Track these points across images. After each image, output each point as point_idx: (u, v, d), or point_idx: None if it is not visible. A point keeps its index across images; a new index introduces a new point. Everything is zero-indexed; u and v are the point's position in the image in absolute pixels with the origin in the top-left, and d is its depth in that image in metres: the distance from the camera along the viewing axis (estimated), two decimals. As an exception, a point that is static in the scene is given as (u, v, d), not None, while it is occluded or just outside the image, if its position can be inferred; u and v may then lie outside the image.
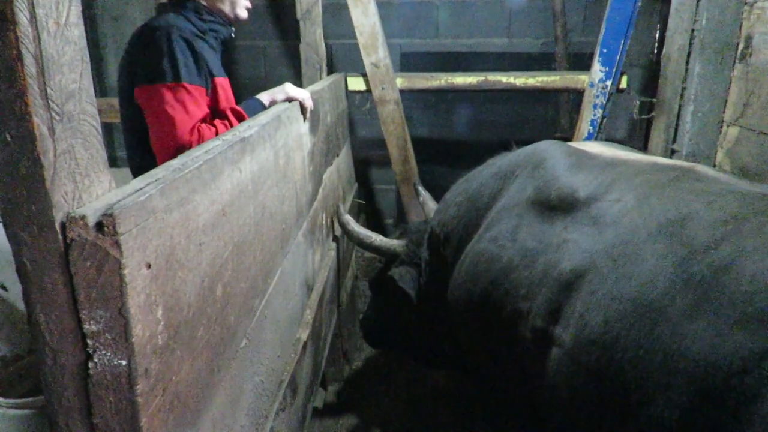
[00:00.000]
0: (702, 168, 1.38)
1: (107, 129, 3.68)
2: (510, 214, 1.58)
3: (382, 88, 3.07)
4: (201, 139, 1.57)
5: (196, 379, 0.89)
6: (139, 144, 1.70)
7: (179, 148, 1.54)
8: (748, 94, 2.34)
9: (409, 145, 3.22)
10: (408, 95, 3.27)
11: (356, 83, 3.13)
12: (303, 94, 1.82)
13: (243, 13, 1.90)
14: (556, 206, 1.46)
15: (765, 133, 2.23)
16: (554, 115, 3.72)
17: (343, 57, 3.49)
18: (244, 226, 1.17)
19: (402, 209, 3.57)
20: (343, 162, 2.91)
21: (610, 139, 3.17)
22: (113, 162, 3.66)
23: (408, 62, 3.64)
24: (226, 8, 1.85)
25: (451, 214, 1.94)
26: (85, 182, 0.70)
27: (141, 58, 1.62)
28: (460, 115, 3.83)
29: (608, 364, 1.11)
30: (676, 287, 1.06)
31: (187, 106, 1.58)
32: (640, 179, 1.37)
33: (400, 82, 3.10)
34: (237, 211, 1.12)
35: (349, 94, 3.21)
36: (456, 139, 3.85)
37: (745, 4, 2.34)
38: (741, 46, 2.38)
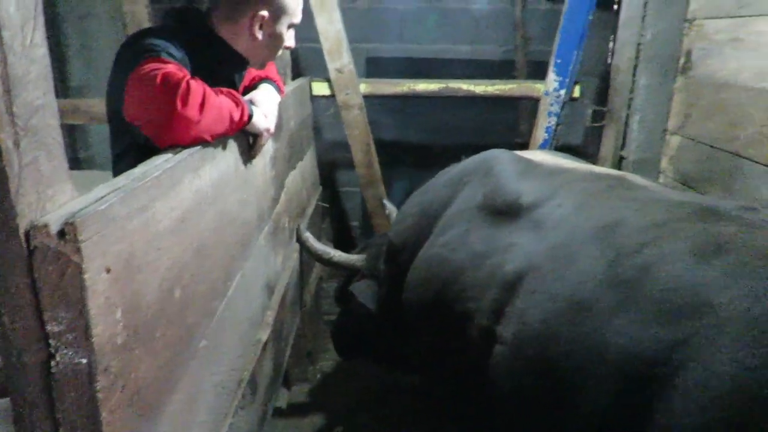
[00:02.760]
0: (632, 177, 1.50)
1: (70, 130, 3.64)
2: (460, 220, 1.67)
3: (347, 94, 3.14)
4: (190, 86, 1.24)
5: (155, 376, 0.94)
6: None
7: (169, 83, 1.22)
8: (689, 106, 2.50)
9: (373, 149, 3.29)
10: (374, 99, 3.34)
11: (321, 88, 3.19)
12: (265, 131, 1.62)
13: (271, 60, 1.75)
14: (502, 211, 1.56)
15: (702, 143, 2.38)
16: (515, 121, 3.85)
17: (308, 61, 3.54)
18: (204, 231, 1.22)
19: (367, 212, 3.64)
20: (307, 166, 2.96)
21: (565, 146, 3.31)
22: (77, 164, 3.63)
23: (373, 67, 3.72)
24: (259, 56, 1.66)
25: (407, 224, 2.02)
26: (48, 192, 0.75)
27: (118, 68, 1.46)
28: (425, 119, 3.91)
29: (545, 358, 1.20)
30: (604, 286, 1.15)
31: (172, 65, 1.32)
32: (578, 187, 1.48)
33: (364, 87, 3.18)
34: (197, 217, 1.17)
35: (314, 98, 3.26)
36: (421, 142, 3.94)
37: (686, 20, 2.49)
38: (682, 60, 2.53)
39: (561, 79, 2.97)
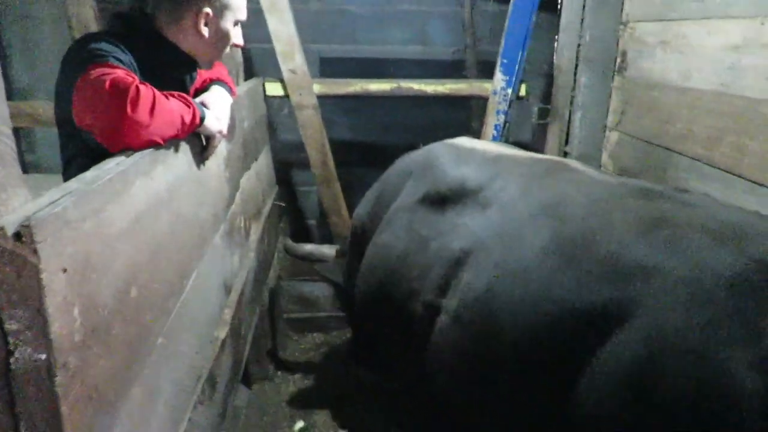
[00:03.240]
0: (571, 162, 1.62)
1: (14, 133, 3.54)
2: (405, 212, 1.76)
3: (300, 94, 3.18)
4: (140, 90, 1.25)
5: (113, 373, 0.98)
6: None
7: (118, 88, 1.23)
8: (625, 104, 2.65)
9: (327, 148, 3.34)
10: (328, 99, 3.39)
11: (274, 89, 3.21)
12: (218, 132, 1.65)
13: (218, 59, 1.75)
14: (447, 197, 1.65)
15: (638, 138, 2.54)
16: (466, 119, 3.97)
17: (261, 61, 3.55)
18: (159, 232, 1.25)
19: (323, 210, 3.69)
20: (262, 166, 2.98)
21: (515, 143, 3.43)
22: (23, 168, 3.52)
23: (327, 68, 3.76)
24: (207, 55, 1.68)
25: (365, 210, 2.13)
26: (2, 196, 0.78)
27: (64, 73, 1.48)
28: (379, 118, 3.98)
29: (488, 320, 1.28)
30: (550, 249, 1.24)
31: (120, 70, 1.32)
32: (521, 170, 1.58)
33: (318, 88, 3.22)
34: (151, 219, 1.20)
35: (268, 99, 3.29)
36: (375, 142, 4.01)
37: (621, 23, 2.64)
38: (618, 61, 2.68)
39: (508, 78, 3.09)
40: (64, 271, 0.80)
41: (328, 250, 2.61)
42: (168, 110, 1.32)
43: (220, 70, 1.97)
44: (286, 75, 3.12)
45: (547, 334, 1.16)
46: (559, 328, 1.14)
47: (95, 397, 0.90)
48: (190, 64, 1.71)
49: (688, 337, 0.92)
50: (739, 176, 1.87)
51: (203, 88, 1.84)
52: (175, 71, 1.69)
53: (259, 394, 3.09)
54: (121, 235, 1.03)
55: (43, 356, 0.76)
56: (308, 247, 2.69)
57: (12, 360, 0.75)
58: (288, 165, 3.84)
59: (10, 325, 0.74)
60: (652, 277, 1.04)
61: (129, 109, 1.20)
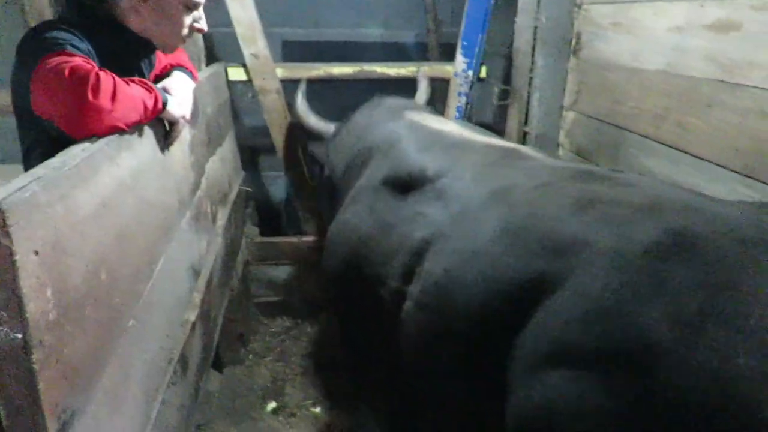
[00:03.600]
0: (524, 148, 1.70)
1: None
2: (368, 192, 1.82)
3: (263, 78, 3.18)
4: (100, 77, 1.26)
5: (86, 353, 1.01)
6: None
7: (78, 76, 1.24)
8: (580, 84, 2.75)
9: (293, 132, 3.35)
10: (292, 83, 3.39)
11: (237, 73, 3.20)
12: (181, 117, 1.67)
13: (179, 44, 1.74)
14: (408, 183, 1.72)
15: (593, 117, 2.64)
16: (429, 101, 4.02)
17: (222, 46, 3.52)
18: (126, 217, 1.28)
19: (290, 194, 3.71)
20: (227, 151, 2.98)
21: (477, 124, 3.51)
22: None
23: (289, 51, 3.75)
24: (159, 36, 1.67)
25: (340, 165, 2.30)
26: (-33, 185, 0.80)
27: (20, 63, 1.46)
28: (342, 102, 4.00)
29: (445, 300, 1.37)
30: (498, 234, 1.33)
31: (78, 57, 1.33)
32: (476, 158, 1.66)
33: (281, 72, 3.22)
34: (118, 204, 1.22)
35: (231, 83, 3.27)
36: (340, 125, 4.03)
37: (575, 5, 2.72)
38: (574, 42, 2.77)
39: (468, 60, 3.15)
40: (36, 253, 0.82)
41: (325, 127, 2.88)
42: (129, 96, 1.34)
43: (180, 55, 1.97)
44: (248, 59, 3.11)
45: (496, 308, 1.26)
46: (506, 301, 1.23)
47: (70, 376, 0.94)
48: (146, 48, 1.70)
49: (607, 299, 1.01)
50: (684, 152, 1.98)
51: (164, 75, 1.85)
52: (132, 56, 1.68)
53: (230, 378, 3.12)
54: (89, 219, 1.05)
55: (20, 335, 0.79)
56: (313, 120, 2.96)
57: (-12, 340, 0.78)
58: (253, 150, 3.83)
59: (-14, 306, 0.77)
60: (582, 251, 1.13)
61: (90, 96, 1.21)
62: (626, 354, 0.96)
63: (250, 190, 3.52)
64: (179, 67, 1.90)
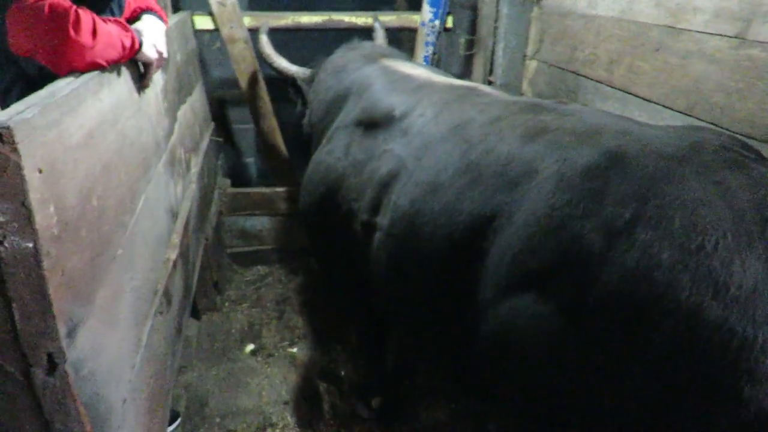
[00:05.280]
0: (482, 87, 1.83)
1: None
2: (343, 132, 1.92)
3: (231, 27, 3.17)
4: (79, 14, 1.30)
5: (83, 269, 1.10)
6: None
7: (58, 12, 1.27)
8: (542, 33, 2.84)
9: (262, 82, 3.37)
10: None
11: (204, 22, 3.18)
12: (155, 59, 1.71)
13: None
14: (379, 123, 1.82)
15: (553, 65, 2.75)
16: (397, 50, 4.06)
17: (188, -6, 3.47)
18: (109, 150, 1.34)
19: (260, 146, 3.75)
20: (197, 101, 3.00)
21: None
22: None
23: (256, 0, 3.72)
24: None
25: (319, 107, 2.36)
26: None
27: None
28: (311, 51, 4.01)
29: (411, 230, 1.50)
30: (459, 171, 1.44)
31: None
32: (437, 97, 1.76)
33: (248, 20, 3.21)
34: (102, 136, 1.28)
35: (198, 33, 3.25)
36: (308, 76, 4.04)
37: (537, -45, 2.79)
38: (536, -9, 2.86)
39: (435, 10, 3.20)
40: (40, 171, 0.90)
41: (297, 70, 2.88)
42: (107, 33, 1.38)
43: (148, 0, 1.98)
44: (215, 7, 3.10)
45: (458, 237, 1.38)
46: (468, 230, 1.36)
47: (73, 285, 1.03)
48: None
49: (552, 217, 1.15)
50: (634, 95, 2.12)
51: (134, 18, 1.87)
52: None
53: (208, 324, 3.23)
54: (78, 147, 1.12)
55: (30, 245, 0.87)
56: (284, 63, 2.92)
57: (2, 249, 0.86)
58: (222, 102, 3.83)
59: (-2, 217, 0.84)
60: (532, 178, 1.26)
61: (72, 32, 1.25)
62: (565, 265, 1.10)
63: (220, 141, 3.55)
64: (148, 10, 1.91)
